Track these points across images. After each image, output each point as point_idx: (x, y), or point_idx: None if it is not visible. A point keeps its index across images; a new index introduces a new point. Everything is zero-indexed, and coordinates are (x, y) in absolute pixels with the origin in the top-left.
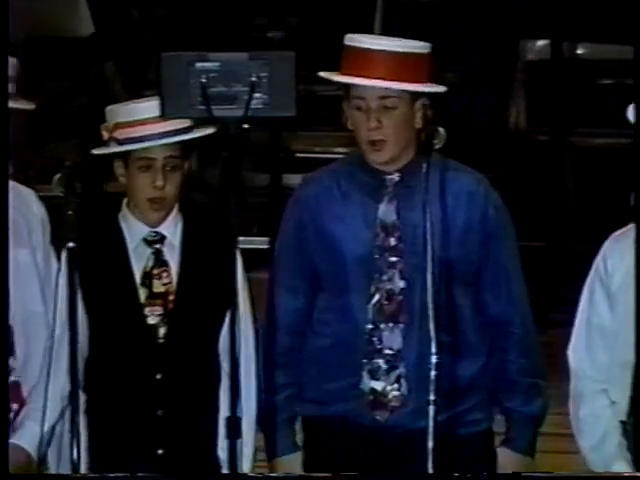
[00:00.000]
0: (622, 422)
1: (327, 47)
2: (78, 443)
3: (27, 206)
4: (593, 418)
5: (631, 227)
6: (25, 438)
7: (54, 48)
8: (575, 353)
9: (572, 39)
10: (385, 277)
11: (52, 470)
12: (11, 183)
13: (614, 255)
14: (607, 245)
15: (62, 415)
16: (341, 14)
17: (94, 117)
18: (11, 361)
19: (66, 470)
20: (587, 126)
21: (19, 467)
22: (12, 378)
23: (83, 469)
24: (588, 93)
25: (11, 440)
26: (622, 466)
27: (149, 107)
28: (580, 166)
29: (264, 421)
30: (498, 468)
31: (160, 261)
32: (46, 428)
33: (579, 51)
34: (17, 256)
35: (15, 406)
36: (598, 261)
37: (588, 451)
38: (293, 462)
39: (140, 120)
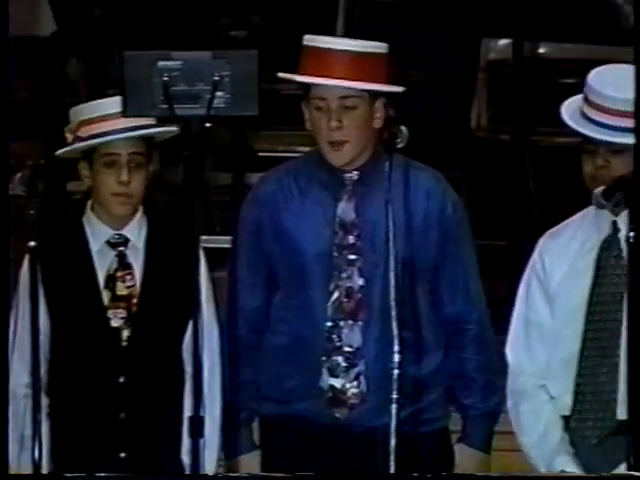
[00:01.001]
0: (565, 417)
1: (290, 46)
2: (40, 444)
3: None
4: (534, 414)
5: (566, 223)
6: None
7: (16, 47)
8: (513, 350)
9: (534, 38)
10: (344, 275)
11: (13, 470)
12: None
13: (552, 252)
14: (543, 242)
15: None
16: (304, 14)
17: (57, 116)
18: None
19: (27, 470)
20: (549, 125)
21: None
22: None
23: (45, 470)
24: (550, 92)
25: None
26: (564, 461)
27: (111, 103)
28: (542, 165)
29: (223, 420)
30: (456, 465)
31: (124, 264)
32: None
33: (541, 50)
34: None
35: None
36: (534, 258)
37: (530, 447)
38: (251, 461)
39: (103, 116)
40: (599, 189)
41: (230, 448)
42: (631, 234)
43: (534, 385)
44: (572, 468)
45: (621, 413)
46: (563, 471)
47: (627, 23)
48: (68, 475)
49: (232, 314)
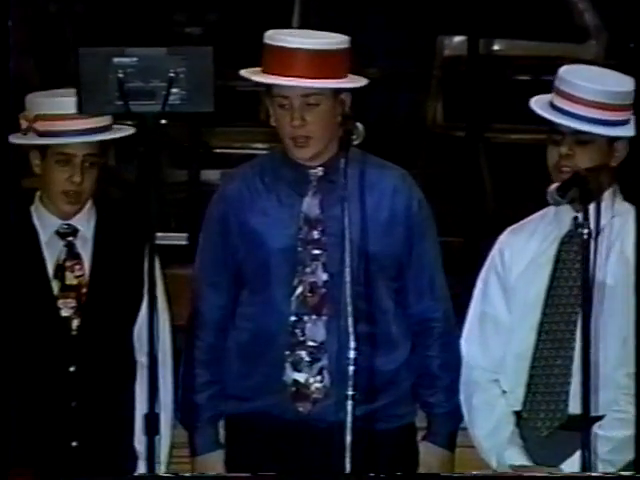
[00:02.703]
0: (517, 412)
1: (246, 42)
2: None
3: None
4: (486, 406)
5: (527, 221)
6: None
7: None
8: (468, 344)
9: (488, 35)
10: (308, 270)
11: None
12: None
13: (512, 248)
14: (503, 238)
15: None
16: (259, 10)
17: (11, 112)
18: None
19: None
20: (503, 122)
21: None
22: None
23: None
24: (504, 89)
25: None
26: (514, 453)
27: (72, 102)
28: (496, 161)
29: (187, 419)
30: (420, 463)
31: (72, 254)
32: None
33: (495, 47)
34: None
35: None
36: (494, 254)
37: (482, 439)
38: (214, 460)
39: (62, 115)
40: (554, 186)
41: (194, 446)
42: (585, 230)
43: (487, 379)
44: (522, 461)
45: (573, 406)
46: (512, 465)
47: (580, 21)
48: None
49: (195, 313)
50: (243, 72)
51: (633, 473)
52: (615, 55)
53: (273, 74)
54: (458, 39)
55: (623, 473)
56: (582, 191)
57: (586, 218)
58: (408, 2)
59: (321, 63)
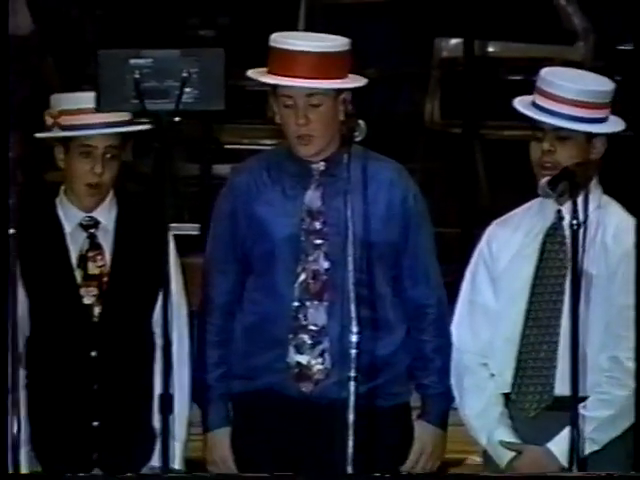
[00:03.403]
0: (505, 394)
1: (255, 44)
2: (18, 414)
3: None
4: (476, 389)
5: (512, 214)
6: None
7: None
8: (458, 330)
9: (483, 38)
10: (311, 258)
11: None
12: None
13: (499, 239)
14: (491, 230)
15: None
16: (268, 14)
17: (36, 111)
18: None
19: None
20: (496, 119)
21: None
22: None
23: (23, 439)
24: (497, 88)
25: None
26: (503, 432)
27: (92, 97)
28: (490, 156)
29: (199, 397)
30: (415, 440)
31: (94, 245)
32: None
33: (489, 49)
34: None
35: None
36: (482, 245)
37: (472, 419)
38: (224, 436)
39: (84, 109)
40: (545, 179)
41: (205, 423)
42: (574, 221)
43: (477, 362)
44: (510, 439)
45: (558, 389)
46: (502, 441)
47: (569, 24)
48: (69, 475)
49: (206, 297)
50: (250, 73)
51: (633, 473)
52: (602, 56)
53: (278, 75)
54: (455, 41)
55: (627, 474)
56: (571, 184)
57: (575, 210)
58: (407, 7)
59: (323, 64)
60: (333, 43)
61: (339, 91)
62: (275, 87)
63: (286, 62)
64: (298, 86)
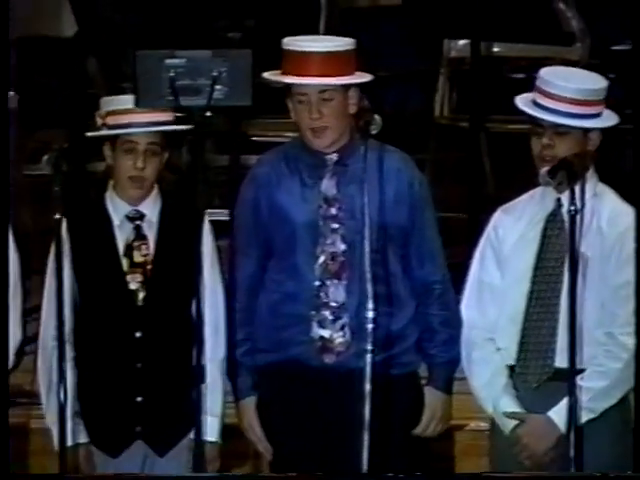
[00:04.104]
0: (510, 366)
1: (279, 46)
2: (65, 389)
3: None
4: (483, 361)
5: (516, 201)
6: None
7: (43, 47)
8: (467, 307)
9: (489, 39)
10: (328, 241)
11: (44, 408)
12: None
13: (504, 225)
14: (497, 216)
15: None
16: (291, 18)
17: (79, 107)
18: None
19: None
20: (501, 114)
21: None
22: None
23: (69, 411)
24: (502, 86)
25: None
26: (508, 402)
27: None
28: (495, 148)
29: (229, 370)
30: (425, 404)
31: (140, 235)
32: None
33: (494, 49)
34: None
35: None
36: (489, 230)
37: (479, 389)
38: (250, 404)
39: (129, 109)
40: (545, 169)
41: (235, 393)
42: (572, 208)
43: (484, 337)
44: (515, 408)
45: (559, 361)
46: (506, 412)
47: (568, 27)
48: (69, 475)
49: (231, 279)
50: (266, 75)
51: (633, 473)
52: (597, 56)
53: (292, 75)
54: (462, 42)
55: (628, 474)
56: (569, 174)
57: (573, 197)
58: (418, 10)
59: (332, 63)
60: (339, 43)
61: (348, 85)
62: (289, 86)
63: (298, 62)
64: (311, 83)
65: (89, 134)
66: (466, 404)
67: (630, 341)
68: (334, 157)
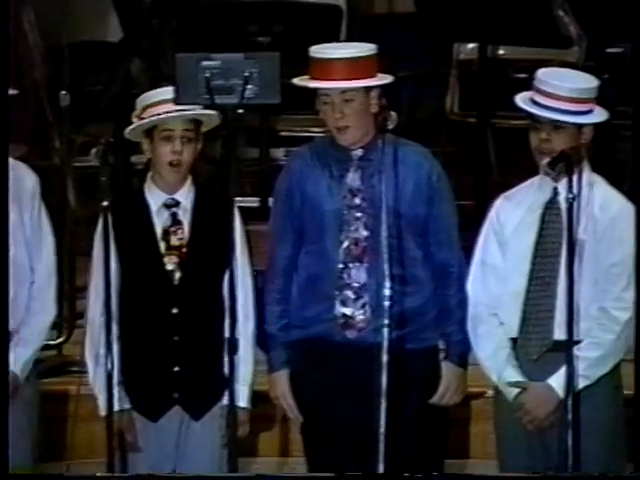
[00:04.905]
0: (513, 339)
1: (304, 49)
2: (112, 360)
3: (18, 178)
4: (488, 335)
5: (516, 189)
6: (13, 362)
7: (92, 50)
8: (473, 286)
9: (494, 43)
10: (352, 228)
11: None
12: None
13: (505, 210)
14: (499, 203)
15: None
16: (314, 24)
17: (124, 102)
18: None
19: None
20: (505, 110)
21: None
22: None
23: (116, 379)
24: (506, 85)
25: None
26: (511, 371)
27: (168, 91)
28: (500, 141)
29: (264, 344)
30: (442, 378)
31: (176, 221)
32: (31, 353)
33: (500, 52)
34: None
35: None
36: (492, 215)
37: (484, 361)
38: (284, 376)
39: (163, 100)
40: (546, 160)
41: (269, 366)
42: (570, 195)
43: (488, 313)
44: (517, 377)
45: (557, 334)
46: (510, 382)
47: (566, 31)
48: (68, 475)
49: (270, 262)
50: (295, 80)
51: (633, 473)
52: (593, 58)
53: (317, 79)
54: (471, 46)
55: (628, 474)
56: (567, 165)
57: (571, 186)
58: (431, 17)
59: (353, 67)
60: (360, 49)
61: (369, 88)
62: (316, 89)
63: (323, 68)
64: (333, 87)
65: (127, 130)
66: (477, 373)
67: (621, 315)
68: (359, 152)
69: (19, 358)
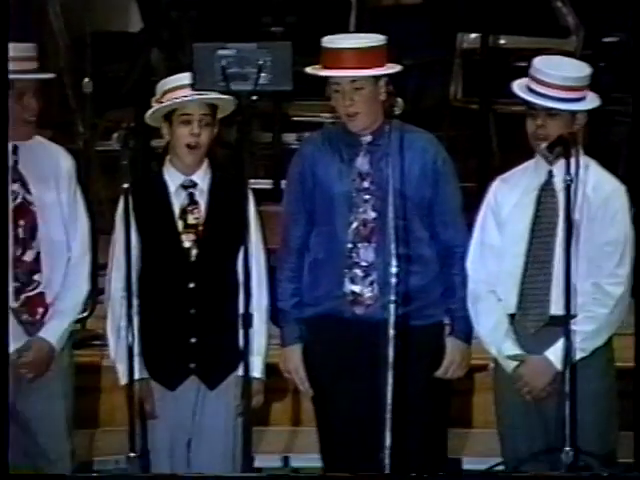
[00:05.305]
0: (511, 315)
1: (315, 39)
2: (132, 331)
3: (55, 160)
4: (487, 310)
5: (512, 172)
6: (50, 333)
7: (114, 40)
8: (472, 264)
9: (496, 33)
10: (361, 210)
11: (111, 353)
12: (43, 141)
13: (502, 192)
14: (496, 185)
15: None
16: (325, 15)
17: (144, 90)
18: (37, 277)
19: (123, 349)
20: (506, 97)
21: (43, 356)
22: (38, 290)
23: (136, 349)
24: (507, 73)
25: (38, 334)
26: (510, 345)
27: (186, 76)
28: (501, 126)
29: (277, 320)
30: (446, 353)
31: (193, 201)
32: (67, 325)
33: (501, 41)
34: (44, 199)
35: (41, 310)
36: (489, 197)
37: (484, 335)
38: (296, 350)
39: (181, 85)
40: (544, 145)
41: (282, 340)
42: (567, 177)
43: (487, 290)
44: (516, 350)
45: (553, 309)
46: (509, 355)
47: (564, 22)
48: (69, 475)
49: (284, 241)
50: (308, 69)
51: (633, 473)
52: (589, 47)
53: (329, 68)
54: (473, 35)
55: (627, 474)
56: (564, 148)
57: (568, 169)
58: (436, 8)
59: (362, 57)
60: (370, 40)
61: (378, 77)
62: (327, 78)
63: (334, 58)
64: (343, 75)
65: (148, 114)
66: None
67: (614, 290)
68: (368, 138)
69: (55, 330)
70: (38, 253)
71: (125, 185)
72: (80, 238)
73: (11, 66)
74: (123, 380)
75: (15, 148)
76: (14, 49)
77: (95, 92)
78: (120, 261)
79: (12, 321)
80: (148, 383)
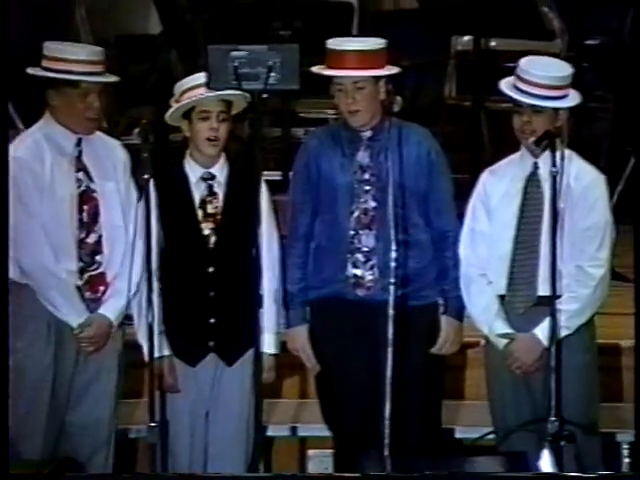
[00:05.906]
0: (501, 296)
1: (320, 42)
2: (153, 313)
3: (113, 152)
4: (479, 292)
5: (499, 164)
6: (110, 310)
7: (136, 42)
8: (464, 249)
9: (487, 36)
10: (362, 199)
11: (137, 329)
12: (102, 135)
13: (491, 182)
14: (485, 176)
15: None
16: (329, 19)
17: (163, 88)
18: (99, 257)
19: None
20: (497, 95)
21: (103, 331)
22: (100, 270)
23: (156, 329)
24: (497, 73)
25: (99, 311)
26: (500, 324)
27: (203, 76)
28: (492, 122)
29: (284, 302)
30: (441, 330)
31: (212, 192)
32: (124, 303)
33: (492, 44)
34: (105, 187)
35: (102, 288)
36: (478, 187)
37: (476, 315)
38: (302, 331)
39: (198, 85)
40: (532, 139)
41: (288, 321)
42: (554, 169)
43: (477, 273)
44: (506, 329)
45: (541, 290)
46: (499, 333)
47: (550, 25)
48: (69, 475)
49: (291, 229)
50: (314, 69)
51: (633, 473)
52: (573, 49)
53: (333, 68)
54: (466, 38)
55: (625, 473)
56: (551, 142)
57: (554, 161)
58: (432, 13)
59: (364, 59)
60: (371, 43)
61: (378, 77)
62: (331, 77)
63: (338, 59)
64: (346, 75)
65: (168, 114)
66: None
67: (596, 271)
68: (368, 134)
69: (114, 307)
70: (100, 236)
71: (145, 176)
72: (134, 223)
73: (79, 68)
74: (147, 356)
75: (79, 141)
76: (84, 52)
77: (117, 90)
78: (142, 247)
79: (76, 298)
80: (171, 360)
